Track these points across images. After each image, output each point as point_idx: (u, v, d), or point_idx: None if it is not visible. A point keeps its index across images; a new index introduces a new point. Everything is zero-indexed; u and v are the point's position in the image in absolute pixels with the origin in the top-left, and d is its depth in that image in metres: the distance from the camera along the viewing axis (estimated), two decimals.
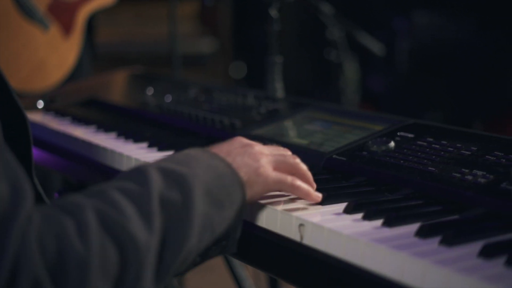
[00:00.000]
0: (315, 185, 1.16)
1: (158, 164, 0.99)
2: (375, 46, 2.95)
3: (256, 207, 1.13)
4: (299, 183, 1.11)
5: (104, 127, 1.67)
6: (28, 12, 2.41)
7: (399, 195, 1.18)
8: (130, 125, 1.74)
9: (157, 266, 0.90)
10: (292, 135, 1.48)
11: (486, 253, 0.91)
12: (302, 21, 4.58)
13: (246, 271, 1.90)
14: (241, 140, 1.13)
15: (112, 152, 1.47)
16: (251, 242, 1.13)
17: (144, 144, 1.52)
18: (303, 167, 1.15)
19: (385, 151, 1.30)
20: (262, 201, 1.13)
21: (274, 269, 1.12)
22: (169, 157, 1.05)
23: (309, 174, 1.15)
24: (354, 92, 4.92)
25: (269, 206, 1.12)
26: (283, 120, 1.57)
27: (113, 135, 1.62)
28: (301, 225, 1.06)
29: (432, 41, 4.74)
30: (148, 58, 4.51)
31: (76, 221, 0.85)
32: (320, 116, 1.57)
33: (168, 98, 1.85)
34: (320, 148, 1.38)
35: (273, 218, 1.11)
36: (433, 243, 0.96)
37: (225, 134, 1.53)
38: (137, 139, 1.55)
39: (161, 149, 1.47)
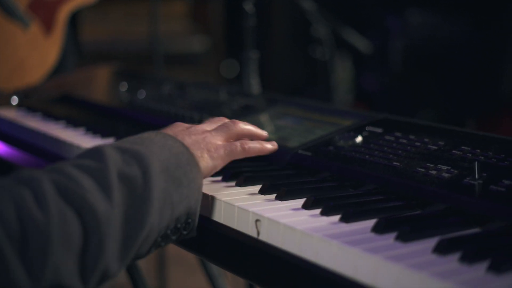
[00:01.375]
0: (265, 133, 1.24)
1: (114, 144, 1.00)
2: (361, 44, 2.92)
3: (214, 202, 1.11)
4: (249, 145, 1.16)
5: (73, 122, 1.64)
6: (7, 10, 2.38)
7: (361, 191, 1.15)
8: (100, 121, 1.71)
9: (121, 240, 0.90)
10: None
11: (441, 249, 0.89)
12: (294, 18, 4.56)
13: (219, 270, 1.87)
14: (182, 124, 1.16)
15: (78, 147, 1.44)
16: (209, 237, 1.11)
17: (111, 140, 1.49)
18: (245, 127, 1.20)
19: (351, 146, 1.28)
20: (221, 197, 1.11)
21: (233, 266, 1.09)
22: (123, 139, 1.04)
23: (253, 130, 1.21)
24: (346, 91, 4.90)
25: (227, 202, 1.09)
26: (253, 116, 1.55)
27: (81, 130, 1.59)
28: (257, 220, 1.03)
29: (426, 40, 4.72)
30: (137, 56, 4.49)
31: (33, 191, 0.84)
32: (292, 111, 1.54)
33: (142, 94, 1.82)
34: (287, 143, 1.35)
35: (230, 214, 1.08)
36: (389, 238, 0.94)
37: None
38: (104, 134, 1.53)
39: None
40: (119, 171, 0.93)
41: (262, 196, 1.13)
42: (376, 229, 0.96)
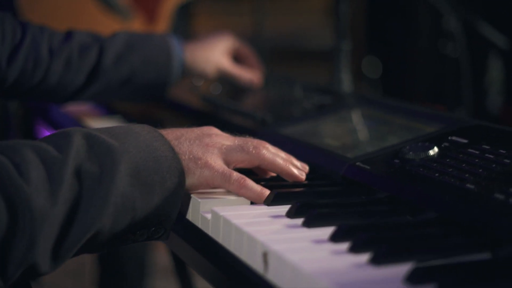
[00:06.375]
0: (299, 174, 1.01)
1: (89, 132, 0.89)
2: (499, 39, 2.57)
3: (225, 225, 0.88)
4: (247, 182, 0.95)
5: (129, 118, 1.47)
6: (106, 2, 2.27)
7: (416, 220, 0.88)
8: (160, 117, 1.54)
9: (58, 240, 0.82)
10: (325, 135, 1.21)
11: None
12: (426, 9, 4.19)
13: None
14: (209, 129, 1.02)
15: None
16: (221, 267, 0.89)
17: None
18: (269, 156, 1.00)
19: (422, 159, 1.00)
20: (232, 219, 0.88)
21: None
22: (109, 127, 0.94)
23: (280, 165, 1.00)
24: (497, 93, 4.46)
25: (238, 226, 0.86)
26: (324, 117, 1.30)
27: None
28: (265, 253, 0.80)
29: None
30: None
31: None
32: (372, 113, 1.28)
33: (217, 89, 1.62)
34: (347, 152, 1.09)
35: (239, 241, 0.85)
36: None
37: (253, 132, 1.28)
38: None
39: None
40: (78, 166, 0.84)
41: (288, 220, 0.89)
42: (411, 279, 0.69)
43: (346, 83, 1.59)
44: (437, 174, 0.94)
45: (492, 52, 4.05)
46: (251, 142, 1.00)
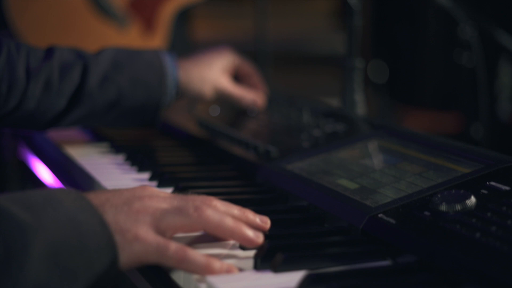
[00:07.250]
0: (256, 238, 0.82)
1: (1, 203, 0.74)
2: None
3: None
4: (188, 255, 0.77)
5: (116, 146, 1.31)
6: (102, 8, 2.12)
7: None
8: (151, 145, 1.38)
9: None
10: (339, 174, 1.04)
11: None
12: (439, 16, 4.04)
13: None
14: (142, 190, 0.84)
15: (99, 185, 1.11)
16: None
17: (146, 175, 1.14)
18: (215, 218, 0.81)
19: (459, 213, 0.84)
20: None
21: None
22: (26, 193, 0.78)
23: (229, 227, 0.81)
24: (508, 100, 4.31)
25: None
26: (337, 150, 1.13)
27: (120, 158, 1.26)
28: None
29: None
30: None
31: None
32: (391, 145, 1.12)
33: (215, 111, 1.46)
34: (366, 198, 0.93)
35: None
36: None
37: (255, 166, 1.13)
38: (142, 167, 1.18)
39: (161, 184, 1.09)
40: None
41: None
42: None
43: (359, 105, 1.42)
44: (478, 234, 0.78)
45: (503, 58, 3.91)
46: (193, 202, 0.82)
